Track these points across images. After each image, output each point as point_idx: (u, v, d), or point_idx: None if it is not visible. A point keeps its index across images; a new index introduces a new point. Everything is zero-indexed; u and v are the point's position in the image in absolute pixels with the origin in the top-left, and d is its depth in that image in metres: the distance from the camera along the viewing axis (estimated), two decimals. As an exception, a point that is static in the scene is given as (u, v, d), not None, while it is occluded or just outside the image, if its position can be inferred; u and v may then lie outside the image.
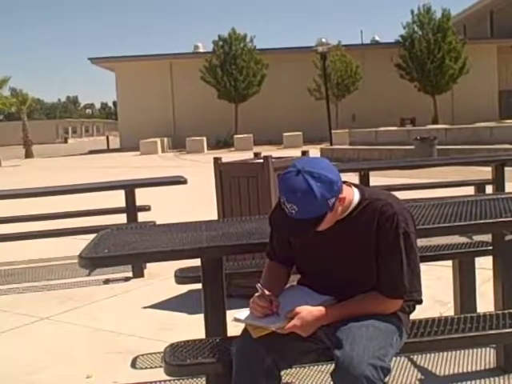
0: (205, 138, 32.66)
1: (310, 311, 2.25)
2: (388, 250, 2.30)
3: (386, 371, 2.14)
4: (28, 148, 36.40)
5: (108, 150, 40.94)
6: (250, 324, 2.31)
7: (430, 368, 3.39)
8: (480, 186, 7.58)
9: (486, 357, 3.43)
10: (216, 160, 4.90)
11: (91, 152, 39.17)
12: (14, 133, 51.05)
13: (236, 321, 2.36)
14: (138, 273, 5.81)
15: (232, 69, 35.19)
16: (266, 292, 2.31)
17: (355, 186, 2.41)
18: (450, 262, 3.93)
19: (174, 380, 3.31)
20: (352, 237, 2.34)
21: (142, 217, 6.47)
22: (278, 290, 2.43)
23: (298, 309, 2.25)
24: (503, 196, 3.68)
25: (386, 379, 2.16)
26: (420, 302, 2.48)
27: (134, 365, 3.74)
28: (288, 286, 2.53)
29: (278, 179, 2.27)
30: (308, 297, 2.36)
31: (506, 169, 7.15)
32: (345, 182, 2.31)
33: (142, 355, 3.85)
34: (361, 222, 2.32)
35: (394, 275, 2.30)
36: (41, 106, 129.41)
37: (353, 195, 2.35)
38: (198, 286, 2.99)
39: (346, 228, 2.33)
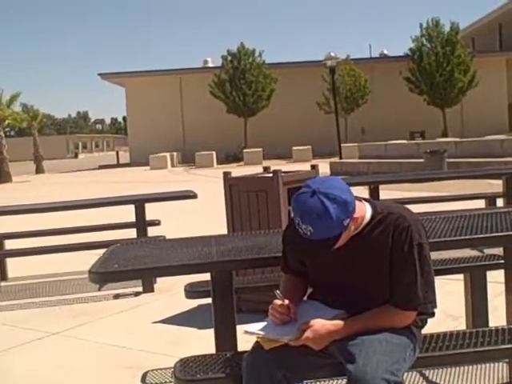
0: (214, 153, 32.76)
1: (323, 324, 2.24)
2: (402, 262, 2.28)
3: (399, 386, 2.12)
4: (39, 163, 36.59)
5: (118, 165, 41.10)
6: (261, 336, 2.30)
7: (441, 383, 3.35)
8: (491, 199, 7.54)
9: (498, 372, 3.40)
10: (225, 174, 4.90)
11: (101, 167, 39.33)
12: (25, 148, 51.33)
13: (247, 333, 2.34)
14: (148, 287, 5.81)
15: (241, 83, 35.34)
16: (285, 300, 2.31)
17: (366, 200, 2.40)
18: (461, 276, 3.89)
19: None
20: (366, 251, 2.33)
21: (151, 231, 6.49)
22: (297, 300, 2.43)
23: (312, 321, 2.24)
24: (514, 209, 3.65)
25: (398, 394, 2.14)
26: (433, 314, 2.46)
27: (143, 380, 3.73)
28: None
29: (292, 199, 2.24)
30: (320, 311, 2.34)
31: (517, 182, 7.11)
32: (356, 198, 2.30)
33: (152, 370, 3.84)
34: (375, 237, 2.31)
35: (408, 287, 2.28)
36: (51, 122, 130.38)
37: (365, 211, 2.34)
38: (208, 300, 2.98)
39: (360, 243, 2.32)
